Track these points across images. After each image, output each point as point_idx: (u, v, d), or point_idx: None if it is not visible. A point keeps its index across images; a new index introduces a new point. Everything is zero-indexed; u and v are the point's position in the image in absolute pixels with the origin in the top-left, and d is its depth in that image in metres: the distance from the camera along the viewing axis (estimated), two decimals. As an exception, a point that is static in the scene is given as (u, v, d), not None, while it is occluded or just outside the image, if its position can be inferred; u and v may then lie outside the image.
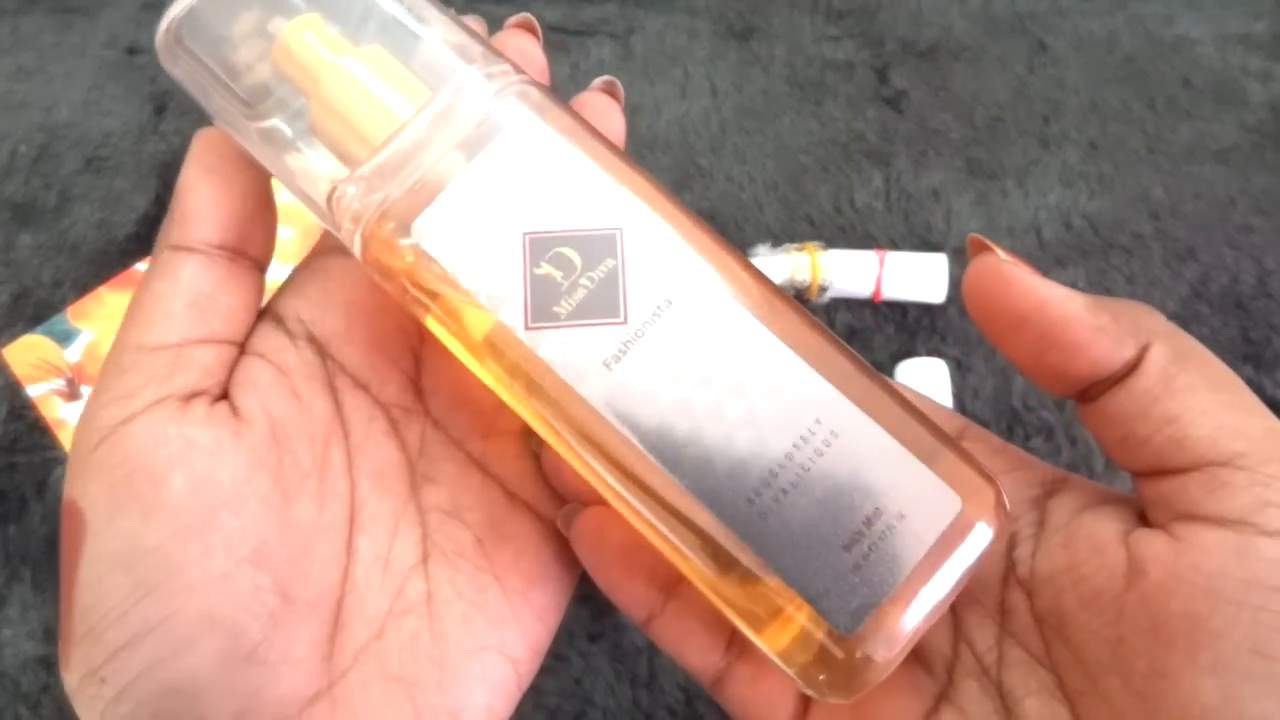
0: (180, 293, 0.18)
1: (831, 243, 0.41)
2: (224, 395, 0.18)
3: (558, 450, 0.17)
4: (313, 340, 0.19)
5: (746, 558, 0.16)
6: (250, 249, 0.19)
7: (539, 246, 0.17)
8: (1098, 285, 0.41)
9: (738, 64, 0.48)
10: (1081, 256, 0.42)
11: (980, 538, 0.16)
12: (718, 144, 0.46)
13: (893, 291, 0.40)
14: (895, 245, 0.42)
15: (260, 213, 0.19)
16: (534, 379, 0.17)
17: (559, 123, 0.17)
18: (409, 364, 0.20)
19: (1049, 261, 0.41)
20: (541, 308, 0.17)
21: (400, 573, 0.19)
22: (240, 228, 0.18)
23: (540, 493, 0.20)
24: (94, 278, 0.42)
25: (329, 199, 0.17)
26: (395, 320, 0.20)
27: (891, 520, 0.16)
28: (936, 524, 0.16)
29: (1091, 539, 0.16)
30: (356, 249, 0.17)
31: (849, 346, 0.17)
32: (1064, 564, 0.17)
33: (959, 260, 0.41)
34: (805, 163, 0.45)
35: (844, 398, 0.16)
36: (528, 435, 0.21)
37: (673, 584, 0.19)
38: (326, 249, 0.20)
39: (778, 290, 0.17)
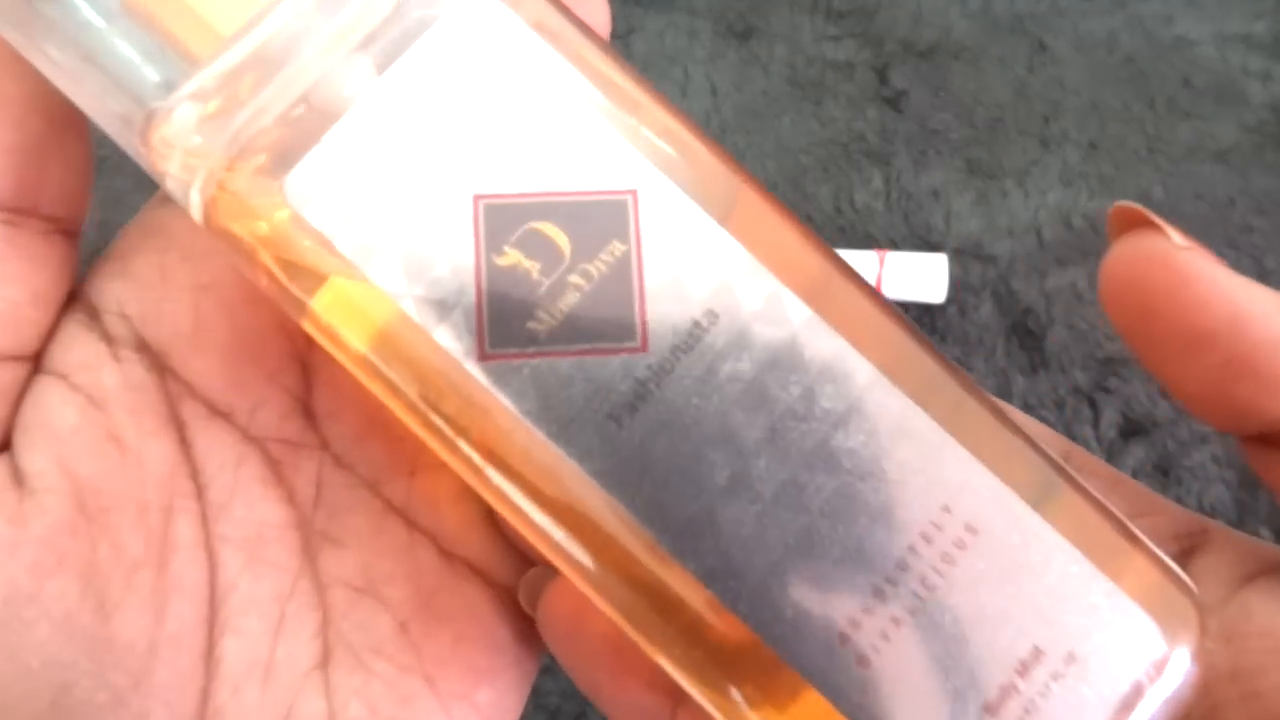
0: None
1: (832, 243, 0.41)
2: (4, 444, 0.12)
3: (534, 542, 0.11)
4: (144, 348, 0.13)
5: None
6: (43, 202, 0.12)
7: (500, 219, 0.10)
8: (1098, 285, 0.41)
9: (738, 64, 0.48)
10: (1081, 256, 0.42)
11: (1180, 667, 0.11)
12: (718, 144, 0.46)
13: (893, 291, 0.40)
14: (895, 245, 0.42)
15: (56, 142, 0.12)
16: (493, 440, 0.10)
17: (532, 11, 0.11)
18: (293, 377, 0.14)
19: (1049, 261, 0.41)
20: (507, 323, 0.10)
21: (288, 685, 0.13)
22: (21, 168, 0.12)
23: (490, 549, 0.15)
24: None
25: (145, 126, 0.10)
26: (272, 313, 0.13)
27: (1058, 665, 0.10)
28: (1126, 668, 0.10)
29: (1270, 636, 0.11)
30: (195, 210, 0.11)
31: (978, 385, 0.11)
32: (1226, 667, 0.11)
33: (959, 260, 0.41)
34: (805, 163, 0.45)
35: (986, 470, 0.11)
36: None
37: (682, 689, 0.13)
38: (169, 199, 0.13)
39: (882, 300, 0.11)
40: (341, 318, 0.10)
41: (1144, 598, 0.11)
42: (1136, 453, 0.36)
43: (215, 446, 0.13)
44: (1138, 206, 0.12)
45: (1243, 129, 0.45)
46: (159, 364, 0.13)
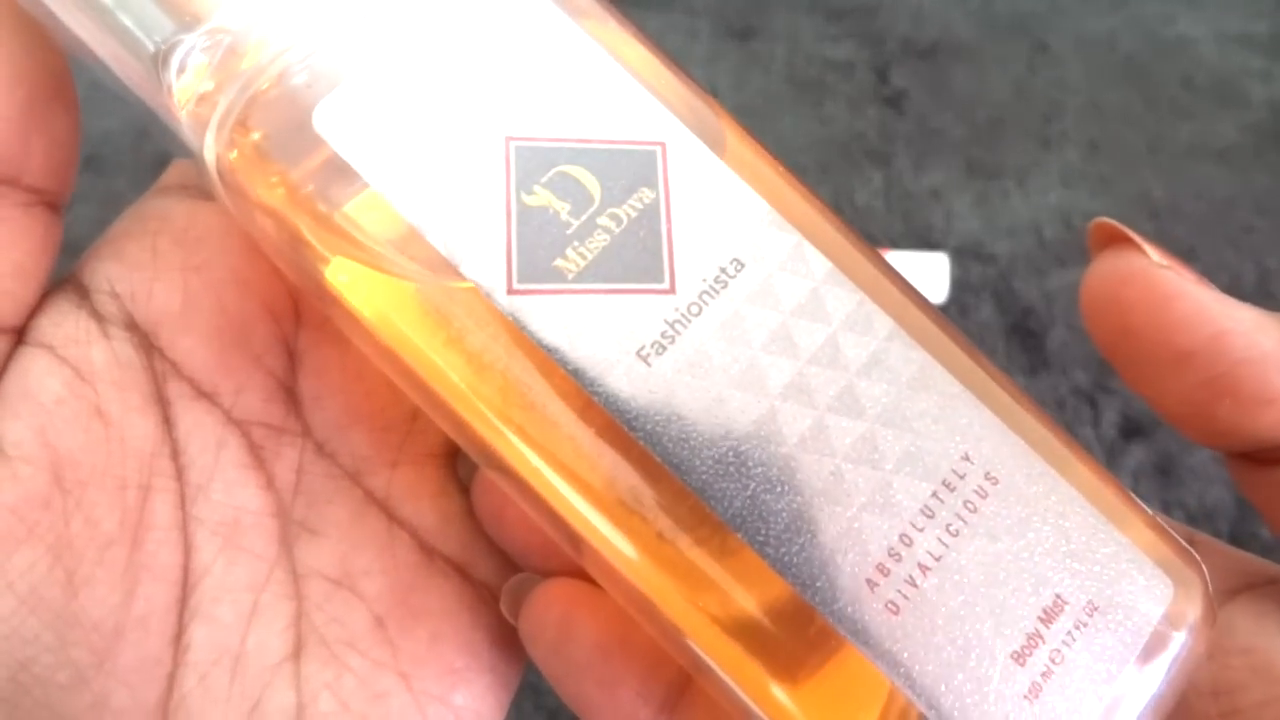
0: None
1: (831, 243, 0.41)
2: None
3: (542, 493, 0.11)
4: (133, 327, 0.13)
5: (868, 684, 0.10)
6: (26, 173, 0.12)
7: (532, 160, 0.11)
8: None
9: (738, 64, 0.48)
10: (1082, 256, 0.42)
11: (1190, 641, 0.11)
12: (718, 144, 0.46)
13: (893, 291, 0.40)
14: (895, 245, 0.42)
15: (41, 112, 0.12)
16: (517, 375, 0.10)
17: None
18: (279, 361, 0.14)
19: (1049, 261, 0.41)
20: (535, 260, 0.10)
21: (258, 676, 0.13)
22: (3, 139, 0.11)
23: (471, 546, 0.14)
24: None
25: (157, 61, 0.10)
26: (260, 295, 0.13)
27: (1080, 615, 0.10)
28: (1144, 620, 0.10)
29: (1251, 653, 0.11)
30: (210, 156, 0.10)
31: (987, 356, 0.12)
32: (1207, 683, 0.11)
33: (959, 260, 0.41)
34: (805, 163, 0.45)
35: (1002, 424, 0.11)
36: (453, 461, 0.15)
37: (677, 691, 0.13)
38: (166, 187, 0.14)
39: (889, 266, 0.12)
40: (372, 264, 0.10)
41: (1156, 559, 0.11)
42: (1136, 453, 0.36)
43: (198, 427, 0.13)
44: (1115, 224, 0.12)
45: (1243, 129, 0.45)
46: (146, 343, 0.13)
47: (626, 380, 0.10)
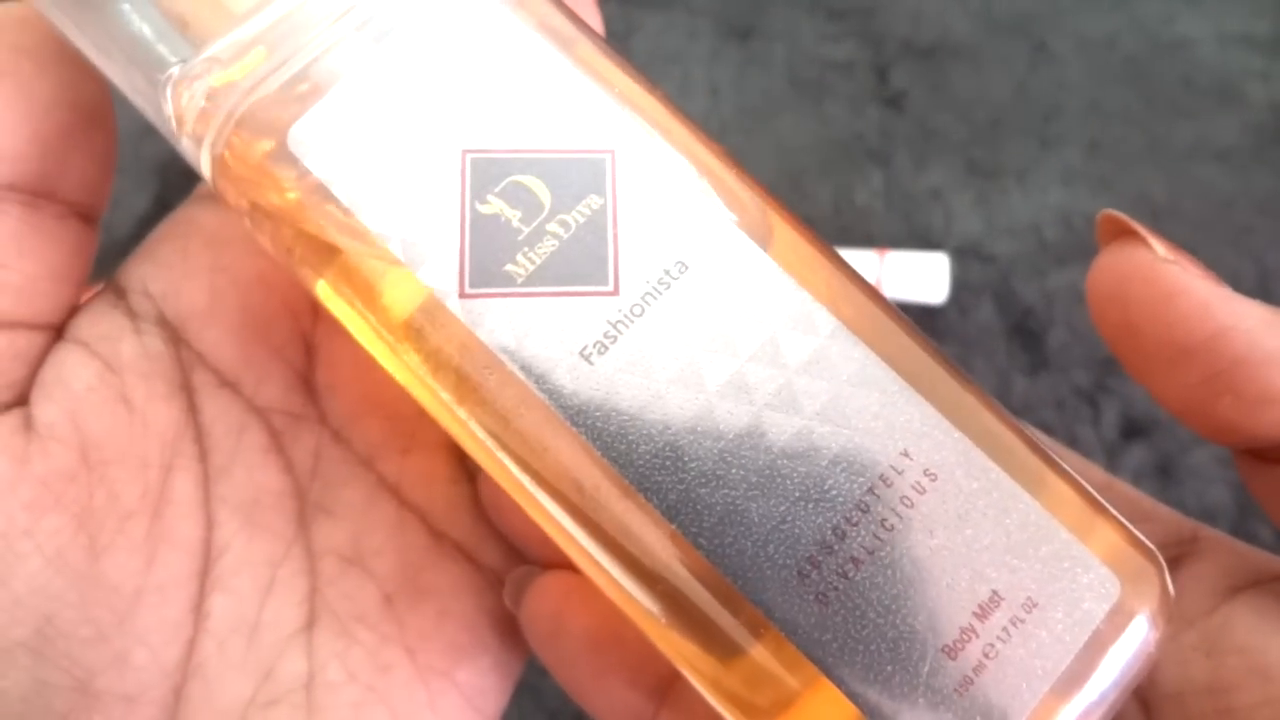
0: None
1: (832, 243, 0.41)
2: (22, 401, 0.13)
3: (501, 482, 0.12)
4: (164, 322, 0.14)
5: (796, 671, 0.10)
6: (63, 189, 0.13)
7: (486, 171, 0.11)
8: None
9: (738, 64, 0.48)
10: (1082, 256, 0.42)
11: (1140, 636, 0.11)
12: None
13: (893, 291, 0.40)
14: (895, 245, 0.42)
15: (79, 134, 0.13)
16: (469, 374, 0.11)
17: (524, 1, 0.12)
18: (297, 353, 0.15)
19: (1049, 261, 0.41)
20: (486, 265, 0.11)
21: (272, 645, 0.14)
22: (42, 157, 0.12)
23: (477, 531, 0.15)
24: (94, 278, 0.42)
25: (166, 87, 0.11)
26: (280, 293, 0.15)
27: (1017, 611, 0.10)
28: (1086, 617, 0.10)
29: (1249, 653, 0.11)
30: (205, 167, 0.11)
31: (942, 350, 0.12)
32: (1204, 680, 0.11)
33: (959, 260, 0.41)
34: (805, 163, 0.45)
35: (945, 420, 0.11)
36: (464, 451, 0.14)
37: (667, 682, 0.13)
38: (200, 196, 0.15)
39: (844, 263, 0.12)
40: (346, 274, 0.11)
41: (1105, 556, 0.11)
42: (1137, 453, 0.36)
43: (221, 413, 0.14)
44: (1122, 216, 0.12)
45: (1243, 129, 0.45)
46: (175, 336, 0.14)
47: (570, 378, 0.11)
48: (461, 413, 0.11)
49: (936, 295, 0.40)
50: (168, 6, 0.12)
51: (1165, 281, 0.11)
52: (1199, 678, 0.12)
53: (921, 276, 0.40)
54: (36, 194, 0.13)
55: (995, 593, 0.10)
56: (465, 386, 0.11)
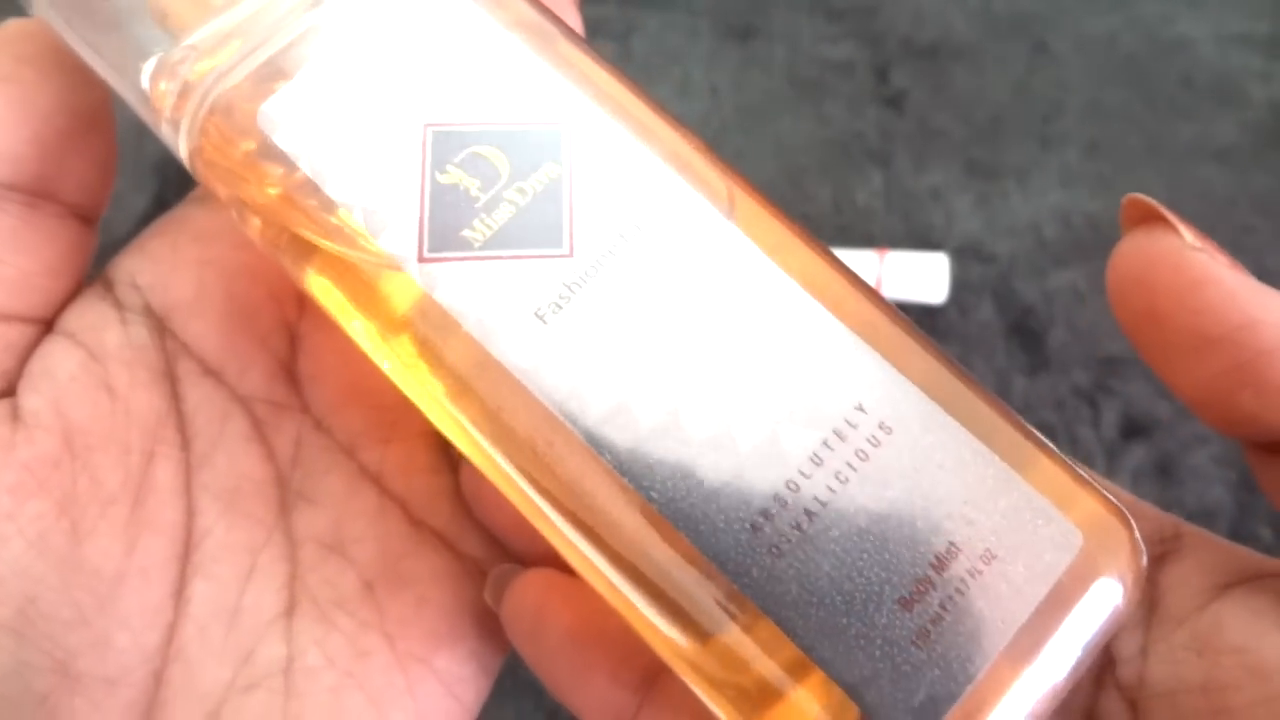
0: None
1: (831, 243, 0.41)
2: (10, 392, 0.13)
3: (459, 445, 0.12)
4: (150, 313, 0.14)
5: (745, 619, 0.10)
6: (61, 190, 0.13)
7: (445, 143, 0.12)
8: (1098, 285, 0.41)
9: (738, 64, 0.48)
10: (1082, 256, 0.42)
11: (1106, 596, 0.10)
12: (718, 144, 0.46)
13: (893, 291, 0.40)
14: (895, 245, 0.42)
15: (78, 138, 0.13)
16: (427, 335, 0.11)
17: None
18: (281, 343, 0.15)
19: (1049, 261, 0.41)
20: (445, 230, 0.11)
21: (252, 630, 0.14)
22: (41, 159, 0.13)
23: (458, 520, 0.15)
24: (92, 275, 0.42)
25: (146, 75, 0.12)
26: (265, 284, 0.15)
27: (975, 563, 0.10)
28: (1047, 569, 0.10)
29: (1244, 652, 0.11)
30: (183, 151, 0.12)
31: (901, 313, 0.12)
32: (1197, 680, 0.11)
33: (959, 260, 0.41)
34: (805, 163, 0.45)
35: (900, 375, 0.11)
36: (444, 442, 0.15)
37: (649, 678, 0.13)
38: (195, 198, 0.15)
39: (796, 224, 0.12)
40: (327, 263, 0.12)
41: (1067, 509, 0.11)
42: (1136, 453, 0.36)
43: (204, 402, 0.14)
44: (1150, 201, 0.12)
45: (1243, 129, 0.45)
46: (161, 326, 0.14)
47: (524, 337, 0.11)
48: (423, 374, 0.11)
49: (936, 295, 0.40)
50: (150, 2, 0.12)
51: (1193, 269, 0.11)
52: (1191, 677, 0.11)
53: (921, 276, 0.40)
54: (36, 194, 0.13)
55: (952, 544, 0.10)
56: (424, 348, 0.11)
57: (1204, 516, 0.34)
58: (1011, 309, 0.40)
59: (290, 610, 0.14)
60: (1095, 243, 0.42)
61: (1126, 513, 0.11)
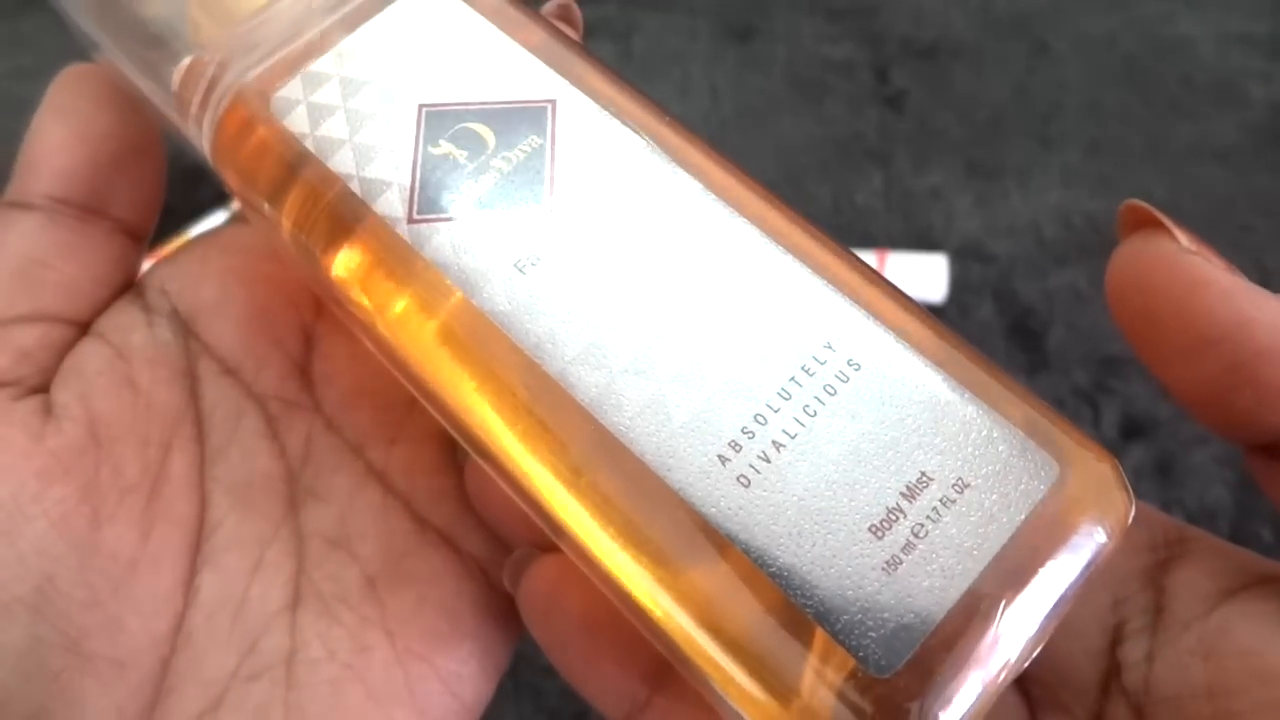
0: (4, 257, 0.14)
1: (831, 243, 0.41)
2: (46, 388, 0.14)
3: (445, 403, 0.12)
4: (175, 316, 0.15)
5: (714, 549, 0.10)
6: (111, 207, 0.15)
7: (438, 120, 0.13)
8: (1098, 285, 0.41)
9: (738, 64, 0.48)
10: (1082, 256, 0.42)
11: (1087, 534, 0.10)
12: (718, 144, 0.45)
13: (893, 291, 0.40)
14: (895, 245, 0.42)
15: (129, 163, 0.15)
16: (414, 292, 0.12)
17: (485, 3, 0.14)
18: (296, 344, 0.16)
19: (1049, 261, 0.41)
20: (433, 195, 0.12)
21: (257, 621, 0.14)
22: (94, 179, 0.14)
23: (461, 520, 0.15)
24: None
25: (183, 77, 0.13)
26: (284, 290, 0.16)
27: (948, 491, 0.10)
28: (1022, 498, 0.10)
29: (1250, 656, 0.11)
30: (206, 145, 0.13)
31: (874, 269, 0.12)
32: (1202, 684, 0.11)
33: (959, 260, 0.41)
34: (805, 163, 0.45)
35: (869, 316, 0.11)
36: (450, 444, 0.16)
37: (660, 669, 0.13)
38: (229, 223, 0.16)
39: (766, 191, 0.13)
40: (308, 204, 0.13)
41: (1042, 441, 0.11)
42: (1137, 453, 0.36)
43: (221, 399, 0.15)
44: (1147, 206, 0.12)
45: (1243, 129, 0.45)
46: (185, 328, 0.15)
47: (503, 287, 0.12)
48: (414, 325, 0.12)
49: (936, 295, 0.40)
50: (182, 10, 0.14)
51: (1189, 272, 0.11)
52: (1197, 681, 0.11)
53: (921, 276, 0.40)
54: (88, 209, 0.15)
55: (924, 474, 0.10)
56: (415, 302, 0.12)
57: (1204, 516, 0.34)
58: (1011, 309, 0.40)
59: (295, 603, 0.14)
60: (1095, 243, 0.42)
61: (1106, 451, 0.11)
